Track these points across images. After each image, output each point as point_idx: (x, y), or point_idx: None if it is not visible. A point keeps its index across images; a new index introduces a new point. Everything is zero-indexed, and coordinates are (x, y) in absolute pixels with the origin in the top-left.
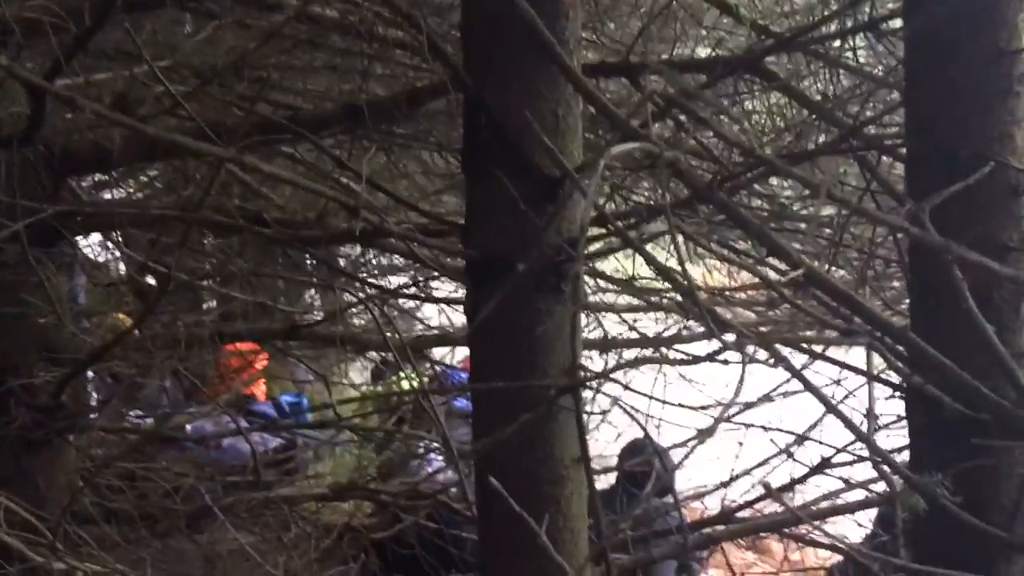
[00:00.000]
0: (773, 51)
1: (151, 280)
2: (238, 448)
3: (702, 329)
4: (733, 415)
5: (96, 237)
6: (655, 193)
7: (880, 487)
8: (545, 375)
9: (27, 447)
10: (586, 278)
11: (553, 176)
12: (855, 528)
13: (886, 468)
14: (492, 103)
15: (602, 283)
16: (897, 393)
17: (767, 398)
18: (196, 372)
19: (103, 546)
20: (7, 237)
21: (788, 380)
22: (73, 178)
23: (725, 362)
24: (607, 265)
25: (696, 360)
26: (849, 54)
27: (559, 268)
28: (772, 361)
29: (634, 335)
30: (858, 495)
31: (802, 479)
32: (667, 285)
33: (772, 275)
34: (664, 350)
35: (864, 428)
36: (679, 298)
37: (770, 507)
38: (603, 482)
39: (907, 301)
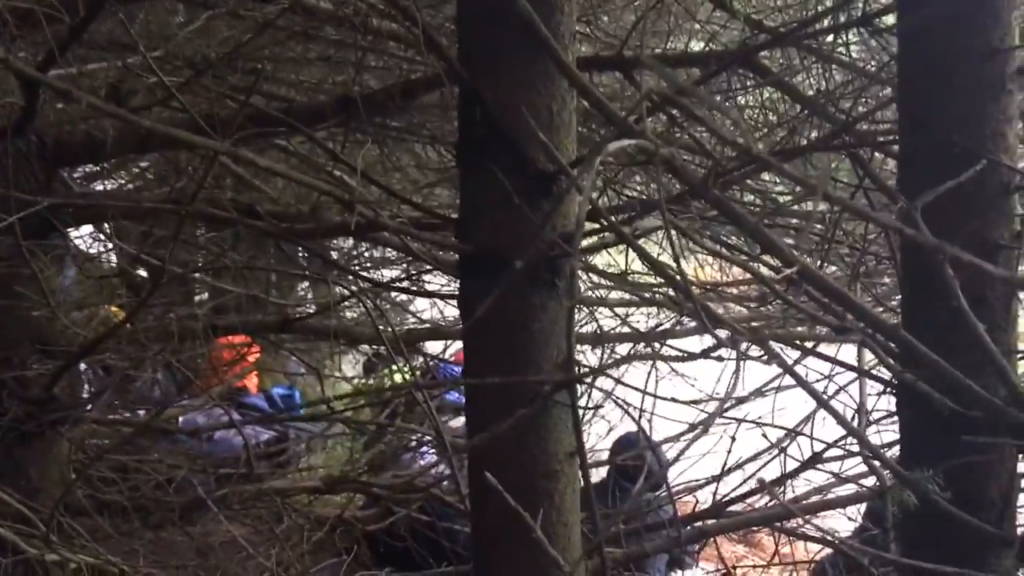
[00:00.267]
0: (767, 46)
1: (143, 272)
2: (230, 440)
3: (695, 324)
4: (726, 410)
5: (87, 229)
6: (648, 187)
7: (871, 482)
8: (539, 370)
9: (20, 439)
10: (579, 273)
11: (547, 171)
12: (846, 522)
13: (877, 463)
14: (487, 97)
15: (595, 278)
16: (888, 389)
17: (759, 393)
18: (188, 365)
19: (96, 538)
20: (1, 229)
21: (780, 376)
22: (65, 169)
23: (719, 358)
24: (599, 260)
25: (691, 357)
26: (842, 50)
27: (553, 263)
28: (764, 357)
29: (626, 330)
30: (849, 490)
31: (794, 474)
32: (660, 280)
33: (765, 271)
34: (657, 345)
35: (855, 423)
36: (672, 293)
37: (762, 501)
38: (594, 476)
39: (899, 297)
